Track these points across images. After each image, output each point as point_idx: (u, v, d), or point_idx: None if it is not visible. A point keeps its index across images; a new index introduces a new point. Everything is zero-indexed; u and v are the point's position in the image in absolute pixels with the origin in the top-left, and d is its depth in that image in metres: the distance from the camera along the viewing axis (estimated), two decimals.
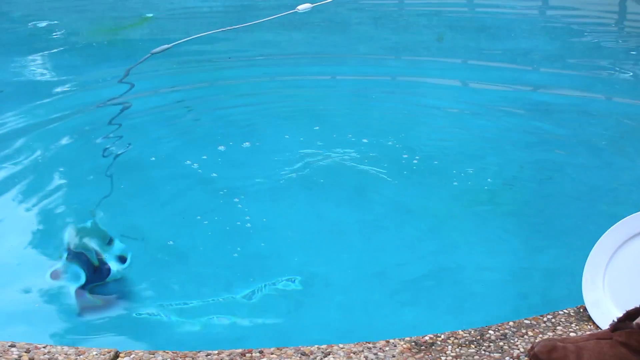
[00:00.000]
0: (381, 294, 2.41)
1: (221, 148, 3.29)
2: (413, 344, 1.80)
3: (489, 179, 3.16)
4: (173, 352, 1.76)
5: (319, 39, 5.40)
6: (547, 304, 2.13)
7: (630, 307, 1.73)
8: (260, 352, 1.77)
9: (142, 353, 1.76)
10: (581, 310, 1.96)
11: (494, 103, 4.07)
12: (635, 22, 6.31)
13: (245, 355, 1.75)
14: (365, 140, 3.52)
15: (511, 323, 1.90)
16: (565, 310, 1.96)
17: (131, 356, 1.75)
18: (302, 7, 5.21)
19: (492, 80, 4.46)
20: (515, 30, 5.51)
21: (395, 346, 1.79)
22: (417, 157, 3.37)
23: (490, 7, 6.29)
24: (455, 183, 3.13)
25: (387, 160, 3.32)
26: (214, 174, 3.14)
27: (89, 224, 2.76)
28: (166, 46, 4.45)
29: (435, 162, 3.34)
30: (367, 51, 5.08)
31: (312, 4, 5.26)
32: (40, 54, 5.03)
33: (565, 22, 5.93)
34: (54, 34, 5.61)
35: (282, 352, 1.77)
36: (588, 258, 1.97)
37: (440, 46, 5.22)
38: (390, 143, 3.52)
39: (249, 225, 2.78)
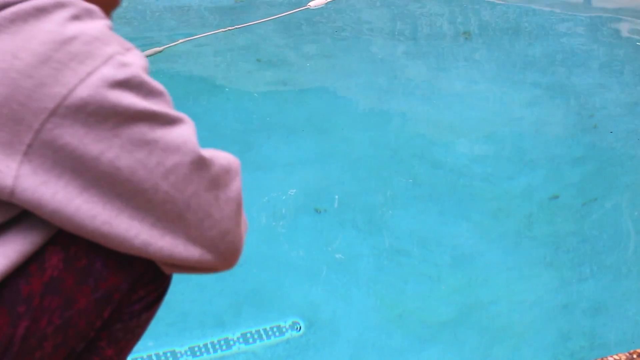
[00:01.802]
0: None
1: None
2: None
3: (524, 201, 3.13)
4: None
5: None
6: (594, 348, 2.08)
7: None
8: None
9: None
10: (634, 356, 1.91)
11: (532, 112, 4.02)
12: None
13: None
14: (379, 156, 3.50)
15: None
16: (616, 357, 1.91)
17: None
18: (314, 4, 5.21)
19: (528, 86, 4.40)
20: (558, 29, 5.46)
21: None
22: (439, 176, 3.34)
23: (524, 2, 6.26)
24: (484, 206, 3.10)
25: (406, 180, 3.29)
26: None
27: None
28: (157, 49, 4.45)
29: (461, 181, 3.29)
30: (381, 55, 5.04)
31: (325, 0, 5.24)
32: None
33: (613, 22, 5.88)
34: None
35: None
36: None
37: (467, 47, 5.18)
38: (409, 160, 3.48)
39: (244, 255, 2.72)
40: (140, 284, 1.02)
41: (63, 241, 0.96)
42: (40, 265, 0.95)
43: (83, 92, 0.88)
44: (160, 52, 4.46)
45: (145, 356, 2.26)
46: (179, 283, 2.52)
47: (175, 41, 4.61)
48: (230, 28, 4.91)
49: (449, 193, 3.22)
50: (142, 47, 4.32)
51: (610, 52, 4.98)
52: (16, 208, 0.92)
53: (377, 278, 2.70)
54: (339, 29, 5.20)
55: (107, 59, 0.90)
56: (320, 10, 5.21)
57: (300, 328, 2.41)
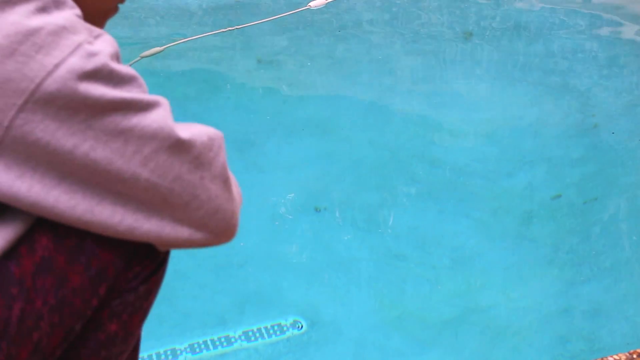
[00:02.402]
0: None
1: None
2: None
3: (524, 201, 3.12)
4: None
5: None
6: (593, 350, 2.07)
7: None
8: None
9: None
10: (634, 356, 1.90)
11: (532, 111, 4.01)
12: None
13: None
14: (379, 156, 3.49)
15: None
16: (616, 357, 1.91)
17: None
18: (314, 4, 5.21)
19: (528, 85, 4.40)
20: (558, 29, 5.45)
21: None
22: (439, 176, 3.33)
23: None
24: (484, 205, 3.09)
25: (405, 180, 3.28)
26: None
27: None
28: (158, 49, 4.45)
29: (461, 181, 3.29)
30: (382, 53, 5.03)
31: (325, 0, 5.24)
32: None
33: (613, 22, 5.87)
34: None
35: None
36: None
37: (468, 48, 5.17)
38: (408, 160, 3.47)
39: (245, 255, 2.73)
40: (135, 260, 1.02)
41: (51, 221, 0.95)
42: (30, 247, 0.94)
43: (51, 86, 0.87)
44: (160, 52, 4.46)
45: (146, 356, 2.26)
46: (181, 282, 2.53)
47: (175, 41, 4.60)
48: (230, 28, 4.90)
49: (449, 192, 3.21)
50: (142, 47, 4.32)
51: (610, 52, 4.98)
52: None
53: (377, 277, 2.69)
54: (339, 29, 5.20)
55: (75, 48, 0.88)
56: (320, 10, 5.21)
57: (302, 327, 2.41)
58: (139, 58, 4.16)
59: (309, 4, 5.20)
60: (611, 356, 1.92)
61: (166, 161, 0.93)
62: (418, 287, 2.63)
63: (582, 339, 2.34)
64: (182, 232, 0.96)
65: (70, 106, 0.88)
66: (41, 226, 0.95)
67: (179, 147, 0.94)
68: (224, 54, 4.90)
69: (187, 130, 0.96)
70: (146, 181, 0.92)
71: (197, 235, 0.98)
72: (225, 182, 1.00)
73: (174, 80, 4.41)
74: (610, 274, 2.64)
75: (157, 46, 4.46)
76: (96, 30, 0.92)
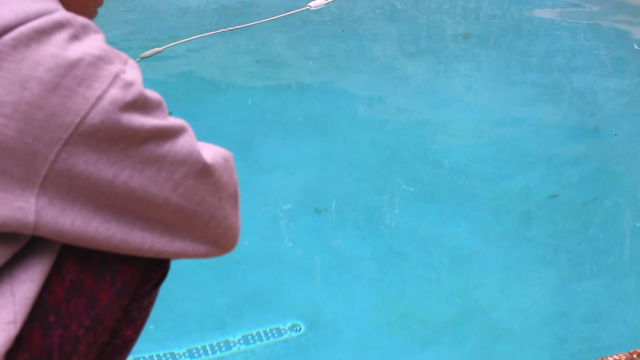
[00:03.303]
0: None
1: None
2: None
3: (523, 200, 3.11)
4: None
5: None
6: (592, 350, 2.07)
7: None
8: None
9: None
10: (634, 356, 1.89)
11: (532, 112, 4.01)
12: None
13: None
14: (379, 156, 3.49)
15: None
16: (616, 357, 1.90)
17: None
18: (314, 4, 5.20)
19: (528, 85, 4.39)
20: (558, 29, 5.45)
21: None
22: (439, 176, 3.33)
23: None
24: (484, 205, 3.08)
25: (405, 180, 3.28)
26: None
27: None
28: (157, 49, 4.44)
29: (461, 181, 3.28)
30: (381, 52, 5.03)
31: (325, 0, 5.23)
32: None
33: (613, 22, 5.87)
34: None
35: None
36: None
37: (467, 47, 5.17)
38: (409, 160, 3.46)
39: (244, 255, 2.72)
40: (150, 268, 1.05)
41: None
42: (57, 271, 0.96)
43: (95, 118, 0.88)
44: (160, 52, 4.45)
45: (147, 357, 2.26)
46: (179, 284, 2.52)
47: (175, 41, 4.60)
48: (230, 28, 4.90)
49: (449, 193, 3.20)
50: (142, 47, 4.31)
51: (610, 52, 4.97)
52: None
53: (377, 277, 2.69)
54: (339, 29, 5.19)
55: (113, 79, 0.89)
56: (320, 10, 5.20)
57: (300, 329, 2.40)
58: (139, 58, 4.16)
59: (309, 4, 5.20)
60: (611, 356, 1.91)
61: (193, 185, 0.96)
62: (418, 287, 2.62)
63: (581, 338, 2.33)
64: (200, 249, 1.01)
65: (111, 137, 0.89)
66: (64, 248, 0.96)
67: (204, 171, 0.97)
68: (224, 54, 4.89)
69: (208, 154, 0.99)
70: (175, 205, 0.95)
71: (213, 251, 1.02)
72: (236, 201, 1.05)
73: (174, 80, 4.40)
74: (609, 274, 2.63)
75: (157, 46, 4.45)
76: (122, 55, 0.94)
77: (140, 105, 0.91)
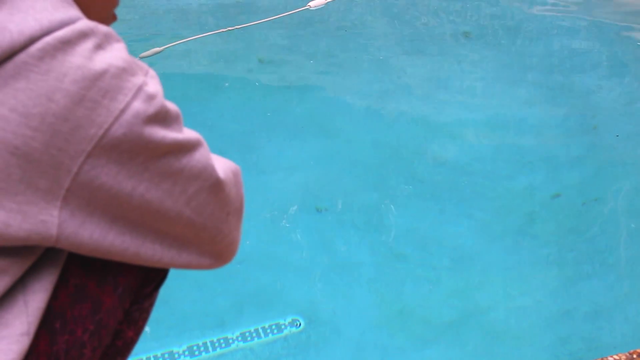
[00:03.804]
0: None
1: None
2: None
3: (524, 200, 3.11)
4: None
5: None
6: (593, 350, 2.07)
7: None
8: None
9: None
10: (634, 356, 1.90)
11: (532, 111, 4.01)
12: None
13: None
14: (380, 156, 3.49)
15: None
16: (616, 357, 1.91)
17: None
18: (314, 4, 5.20)
19: (528, 85, 4.39)
20: (558, 29, 5.45)
21: None
22: (439, 176, 3.33)
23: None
24: (485, 205, 3.09)
25: (406, 180, 3.28)
26: None
27: None
28: (157, 49, 4.44)
29: (461, 181, 3.29)
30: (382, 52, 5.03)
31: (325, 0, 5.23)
32: None
33: (613, 22, 5.87)
34: None
35: None
36: None
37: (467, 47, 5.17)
38: (409, 160, 3.47)
39: (245, 255, 2.71)
40: (151, 269, 1.06)
41: None
42: (62, 277, 0.96)
43: (118, 131, 0.88)
44: (159, 52, 4.46)
45: (145, 358, 2.26)
46: (180, 283, 2.52)
47: (174, 41, 4.60)
48: (230, 28, 4.90)
49: (450, 193, 3.21)
50: (142, 47, 4.31)
51: (610, 52, 4.97)
52: None
53: (378, 277, 2.69)
54: (339, 29, 5.19)
55: (136, 91, 0.89)
56: (320, 10, 5.20)
57: (300, 324, 2.40)
58: (138, 58, 4.15)
59: (308, 4, 5.20)
60: (611, 356, 1.91)
61: (205, 199, 0.97)
62: (418, 287, 2.63)
63: (582, 338, 2.33)
64: (204, 262, 1.02)
65: (132, 149, 0.89)
66: (68, 254, 0.97)
67: (217, 186, 0.98)
68: (224, 54, 4.89)
69: (220, 168, 1.00)
70: (187, 219, 0.96)
71: (216, 264, 1.04)
72: (241, 215, 1.06)
73: (174, 80, 4.40)
74: (610, 273, 2.63)
75: (157, 46, 4.45)
76: (144, 66, 0.94)
77: (162, 118, 0.91)
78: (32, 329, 0.91)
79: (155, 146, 0.91)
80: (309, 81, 4.44)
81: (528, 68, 4.69)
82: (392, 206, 3.12)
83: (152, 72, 0.95)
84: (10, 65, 0.85)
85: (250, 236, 2.81)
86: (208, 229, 0.99)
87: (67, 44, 0.87)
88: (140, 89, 0.90)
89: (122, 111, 0.88)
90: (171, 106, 0.94)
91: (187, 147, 0.94)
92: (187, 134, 0.95)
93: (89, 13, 0.97)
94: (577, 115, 4.04)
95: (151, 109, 0.90)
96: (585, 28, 5.43)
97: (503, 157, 3.54)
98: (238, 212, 1.05)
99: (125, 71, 0.89)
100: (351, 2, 5.69)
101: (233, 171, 1.04)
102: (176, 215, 0.95)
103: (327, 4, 5.30)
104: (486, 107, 4.10)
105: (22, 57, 0.85)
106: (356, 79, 4.41)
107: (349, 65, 4.63)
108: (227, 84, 4.46)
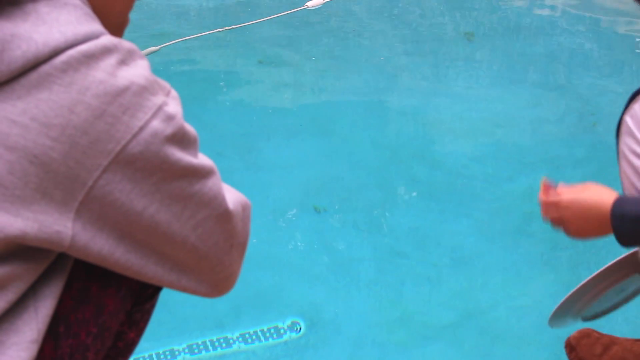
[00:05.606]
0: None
1: None
2: None
3: (524, 201, 3.09)
4: None
5: None
6: None
7: None
8: None
9: None
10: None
11: (532, 112, 4.00)
12: None
13: None
14: (380, 156, 3.48)
15: None
16: None
17: None
18: (311, 4, 5.20)
19: (528, 85, 4.38)
20: (558, 29, 5.44)
21: None
22: (439, 176, 3.32)
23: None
24: (485, 205, 3.08)
25: (406, 180, 3.26)
26: None
27: None
28: (153, 48, 4.44)
29: (461, 181, 3.28)
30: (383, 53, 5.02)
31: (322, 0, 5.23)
32: None
33: (613, 22, 5.86)
34: None
35: None
36: None
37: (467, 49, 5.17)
38: (409, 160, 3.46)
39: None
40: None
41: None
42: (66, 281, 0.97)
43: (135, 148, 0.88)
44: (156, 51, 4.45)
45: (146, 356, 2.25)
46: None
47: (174, 41, 4.59)
48: (228, 28, 4.89)
49: (450, 193, 3.19)
50: (142, 47, 4.30)
51: (610, 52, 4.97)
52: None
53: (377, 277, 2.67)
54: (338, 29, 5.18)
55: (156, 110, 0.89)
56: (318, 10, 5.20)
57: (300, 329, 2.39)
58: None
59: (306, 3, 5.20)
60: None
61: (211, 228, 0.97)
62: (418, 288, 2.61)
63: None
64: (201, 289, 1.02)
65: (147, 168, 0.90)
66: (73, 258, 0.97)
67: (225, 216, 0.98)
68: (224, 54, 4.89)
69: (230, 199, 1.00)
70: (191, 245, 0.97)
71: (210, 293, 1.04)
72: (244, 250, 1.06)
73: (174, 80, 4.36)
74: None
75: (156, 46, 4.45)
76: (166, 85, 0.95)
77: (179, 139, 0.92)
78: (41, 336, 0.91)
79: (170, 167, 0.91)
80: (308, 81, 4.44)
81: (528, 68, 4.68)
82: (392, 206, 3.11)
83: (173, 92, 0.95)
84: (34, 76, 0.85)
85: (249, 236, 2.80)
86: (210, 258, 0.99)
87: (91, 58, 0.88)
88: (160, 108, 0.90)
89: (141, 129, 0.88)
90: (189, 129, 0.94)
91: (201, 174, 0.95)
92: (202, 160, 0.96)
93: (108, 19, 0.98)
94: (577, 115, 4.04)
95: (169, 129, 0.90)
96: (585, 28, 5.42)
97: (503, 157, 3.53)
98: (242, 246, 1.05)
99: (147, 89, 0.89)
100: (351, 2, 5.69)
101: (243, 205, 1.04)
102: (182, 240, 0.95)
103: (324, 3, 5.29)
104: (486, 107, 4.09)
105: (46, 68, 0.85)
106: (356, 79, 4.40)
107: (348, 65, 4.62)
108: (226, 84, 4.45)
